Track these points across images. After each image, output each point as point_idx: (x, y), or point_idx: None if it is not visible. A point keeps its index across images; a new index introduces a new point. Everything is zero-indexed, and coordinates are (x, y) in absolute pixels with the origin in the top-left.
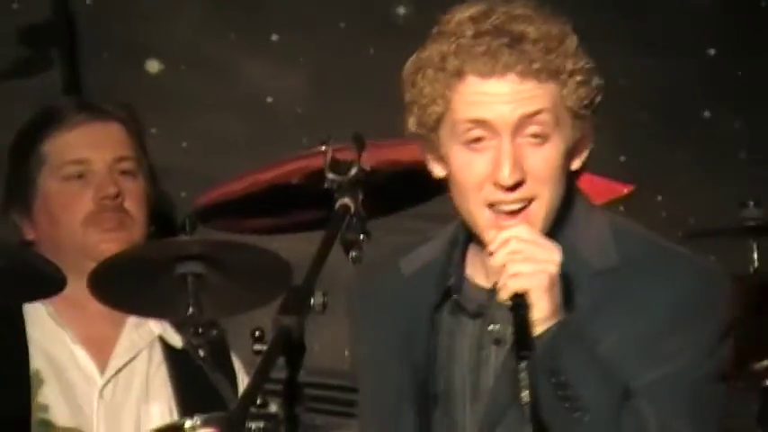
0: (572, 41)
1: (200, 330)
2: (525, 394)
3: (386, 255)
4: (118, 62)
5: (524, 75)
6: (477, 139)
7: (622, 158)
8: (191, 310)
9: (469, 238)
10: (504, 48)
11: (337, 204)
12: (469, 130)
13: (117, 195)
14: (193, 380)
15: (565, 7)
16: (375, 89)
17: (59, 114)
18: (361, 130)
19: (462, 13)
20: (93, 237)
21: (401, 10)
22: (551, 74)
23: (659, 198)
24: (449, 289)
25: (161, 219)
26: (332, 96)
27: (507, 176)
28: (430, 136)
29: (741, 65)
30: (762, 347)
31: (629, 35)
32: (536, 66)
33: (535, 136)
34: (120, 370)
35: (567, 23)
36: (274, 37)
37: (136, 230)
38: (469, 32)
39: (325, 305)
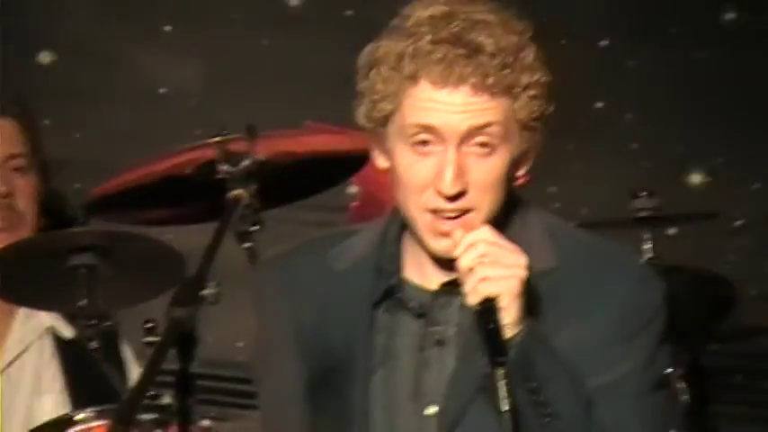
0: (529, 54)
1: (92, 322)
2: (504, 402)
3: (301, 246)
4: (10, 53)
5: (478, 88)
6: (424, 143)
7: None
8: (83, 301)
9: (401, 234)
10: (460, 59)
11: (229, 195)
12: (417, 133)
13: (7, 194)
14: (85, 372)
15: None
16: (269, 80)
17: None
18: (254, 122)
19: (423, 12)
20: None
21: (294, 1)
22: (505, 89)
23: (553, 189)
24: (390, 288)
25: (54, 211)
26: (225, 87)
27: (449, 186)
28: (377, 130)
29: (633, 56)
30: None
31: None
32: (490, 80)
33: (482, 146)
34: (10, 363)
35: (527, 29)
36: (167, 28)
37: (25, 229)
38: (428, 37)
39: (217, 296)
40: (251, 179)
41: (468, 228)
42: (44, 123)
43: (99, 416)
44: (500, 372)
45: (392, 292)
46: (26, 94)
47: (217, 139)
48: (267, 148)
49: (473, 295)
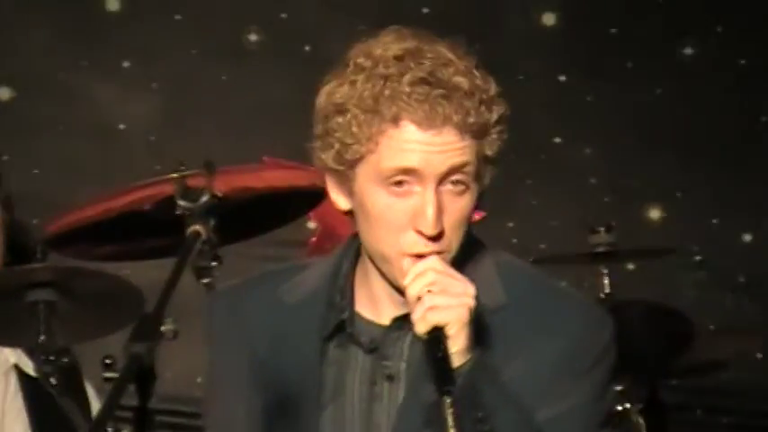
0: (494, 88)
1: (51, 358)
2: (452, 430)
3: (252, 278)
4: None
5: (461, 128)
6: (400, 183)
7: None
8: (41, 337)
9: (354, 268)
10: (442, 99)
11: (188, 231)
12: (395, 175)
13: None
14: (49, 408)
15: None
16: (227, 115)
17: None
18: (213, 157)
19: (384, 51)
20: None
21: (253, 36)
22: (481, 127)
23: (510, 224)
24: (341, 322)
25: (14, 247)
26: (184, 123)
27: (432, 226)
28: (345, 172)
29: (591, 91)
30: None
31: (480, 60)
32: (471, 120)
33: (456, 185)
34: None
35: (481, 65)
36: (125, 63)
37: None
38: (406, 78)
39: (176, 332)
40: (209, 214)
41: None
42: (2, 158)
43: None
44: (447, 400)
45: (343, 326)
46: None
47: (175, 174)
48: (225, 183)
49: (421, 324)
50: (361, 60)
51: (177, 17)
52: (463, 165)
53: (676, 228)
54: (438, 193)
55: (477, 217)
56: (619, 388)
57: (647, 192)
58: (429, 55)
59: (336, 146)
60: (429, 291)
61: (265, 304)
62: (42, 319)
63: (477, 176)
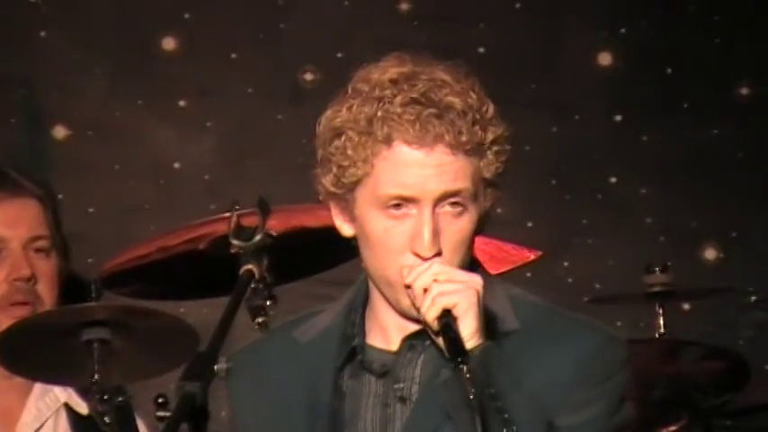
0: (491, 109)
1: (105, 397)
2: (470, 391)
3: (270, 330)
4: (24, 127)
5: (453, 146)
6: (398, 206)
7: (529, 224)
8: (96, 376)
9: (366, 302)
10: (433, 118)
11: (241, 270)
12: (392, 197)
13: (30, 277)
14: None
15: (472, 70)
16: (282, 155)
17: None
18: (268, 196)
19: (381, 75)
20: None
21: (308, 76)
22: (476, 146)
23: (565, 264)
24: (353, 350)
25: (71, 286)
26: (239, 162)
27: (428, 248)
28: (345, 196)
29: (647, 131)
30: (668, 412)
31: (535, 100)
32: (464, 138)
33: (454, 206)
34: None
35: (480, 88)
36: (182, 102)
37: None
38: (398, 98)
39: (229, 371)
40: (263, 253)
41: None
42: (58, 198)
43: None
44: (464, 368)
45: (354, 355)
46: (40, 167)
47: (229, 213)
48: (281, 222)
49: (431, 309)
50: (359, 85)
51: (233, 56)
52: (459, 190)
53: (732, 268)
54: (435, 215)
55: (532, 256)
56: (674, 427)
57: (703, 232)
58: (423, 77)
59: (334, 169)
60: (435, 280)
61: (282, 349)
62: (97, 358)
63: (476, 198)
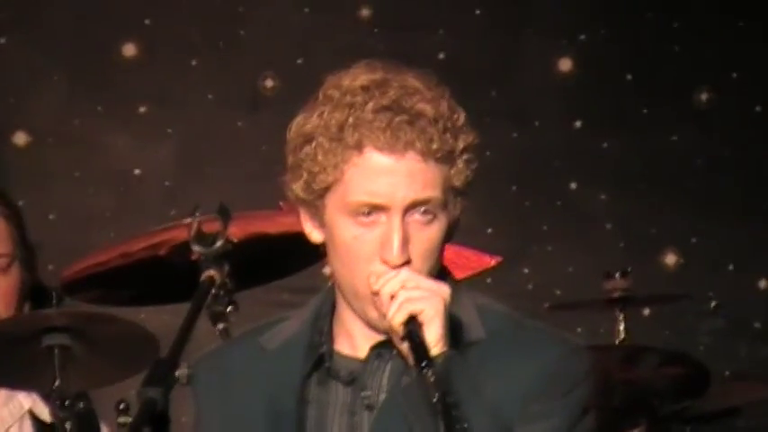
0: (462, 117)
1: (66, 403)
2: (434, 396)
3: (235, 336)
4: None
5: (424, 153)
6: (367, 214)
7: (489, 230)
8: (57, 382)
9: (332, 309)
10: (404, 125)
11: (203, 276)
12: (361, 204)
13: None
14: None
15: (433, 77)
16: (242, 161)
17: None
18: (229, 203)
19: (352, 82)
20: None
21: (269, 83)
22: (447, 154)
23: (525, 270)
24: (320, 358)
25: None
26: (199, 168)
27: (397, 256)
28: (315, 202)
29: (607, 137)
30: (627, 418)
31: (496, 107)
32: (435, 145)
33: (424, 214)
34: None
35: (449, 95)
36: (142, 109)
37: None
38: (369, 105)
39: (190, 377)
40: (224, 260)
41: None
42: (19, 204)
43: None
44: (429, 373)
45: (322, 362)
46: (1, 175)
47: (189, 219)
48: (241, 228)
49: (398, 314)
50: (330, 92)
51: (193, 63)
52: (429, 193)
53: (692, 274)
54: (405, 223)
55: (492, 262)
56: None
57: (663, 238)
58: (395, 84)
59: (305, 175)
60: (403, 286)
61: (247, 355)
62: (58, 364)
63: (445, 206)
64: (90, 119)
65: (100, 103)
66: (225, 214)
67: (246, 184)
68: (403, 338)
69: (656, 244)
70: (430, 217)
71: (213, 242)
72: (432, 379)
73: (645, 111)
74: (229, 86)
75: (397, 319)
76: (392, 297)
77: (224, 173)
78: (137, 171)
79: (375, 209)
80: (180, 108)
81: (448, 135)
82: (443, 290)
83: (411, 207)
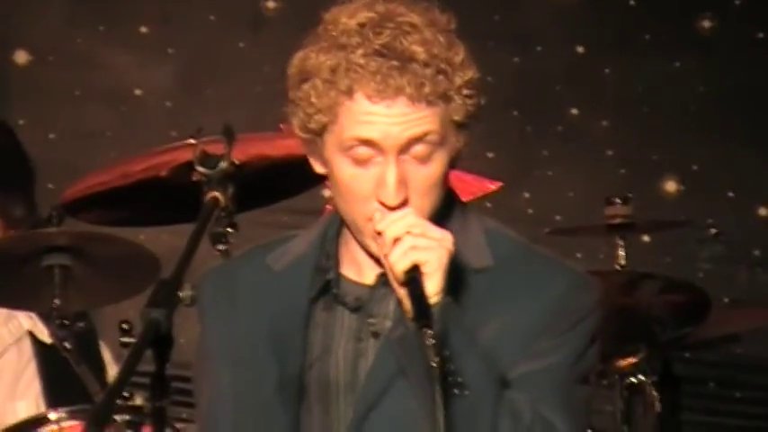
0: (459, 52)
1: (65, 322)
2: (432, 358)
3: (241, 253)
4: None
5: (414, 98)
6: (363, 154)
7: (490, 155)
8: (56, 301)
9: (340, 233)
10: (394, 71)
11: (207, 197)
12: (355, 146)
13: None
14: (63, 375)
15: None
16: (244, 82)
17: None
18: (230, 124)
19: (349, 19)
20: None
21: (270, 3)
22: (440, 95)
23: (526, 195)
24: (327, 283)
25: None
26: (201, 89)
27: (393, 197)
28: (314, 139)
29: (609, 63)
30: (626, 345)
31: (498, 32)
32: (426, 89)
33: (421, 153)
34: None
35: (450, 25)
36: (143, 29)
37: None
38: (360, 50)
39: (193, 298)
40: (227, 181)
41: None
42: (18, 123)
43: (73, 415)
44: (429, 332)
45: (328, 287)
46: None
47: (193, 140)
48: (242, 150)
49: (401, 261)
50: (329, 27)
51: None
52: (423, 134)
53: (692, 201)
54: (400, 162)
55: (492, 187)
56: (632, 360)
57: (664, 164)
58: (390, 24)
59: (300, 114)
60: (409, 232)
61: (254, 274)
62: (57, 284)
63: (443, 142)
64: (91, 38)
65: (101, 23)
66: (229, 135)
67: (247, 106)
68: (402, 285)
69: (657, 170)
70: (426, 154)
71: (217, 163)
72: (430, 341)
73: (647, 36)
74: (231, 7)
75: (399, 265)
76: (396, 240)
77: (225, 94)
78: (138, 91)
79: (369, 146)
80: (182, 28)
81: (441, 76)
82: (448, 239)
83: (406, 146)
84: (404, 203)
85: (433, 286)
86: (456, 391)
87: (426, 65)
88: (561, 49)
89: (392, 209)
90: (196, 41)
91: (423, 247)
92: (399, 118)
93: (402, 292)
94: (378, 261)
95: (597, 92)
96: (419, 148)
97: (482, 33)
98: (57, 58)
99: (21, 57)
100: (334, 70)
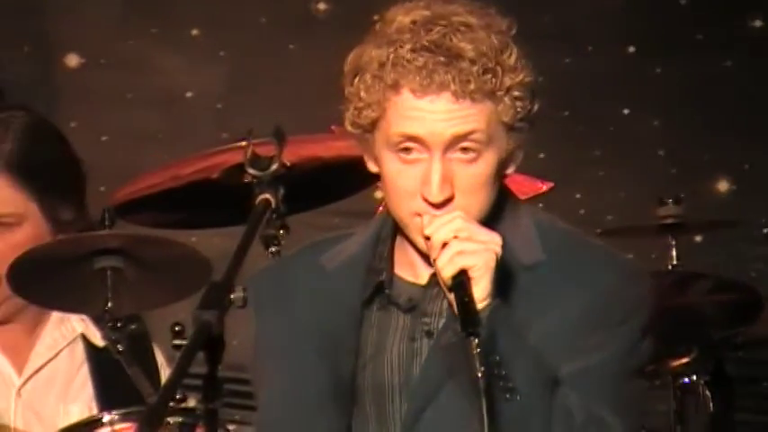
0: (511, 55)
1: (118, 325)
2: (479, 369)
3: (295, 251)
4: (38, 56)
5: (459, 95)
6: (408, 151)
7: (541, 155)
8: (109, 304)
9: (394, 234)
10: (440, 66)
11: (258, 199)
12: (401, 142)
13: None
14: (115, 379)
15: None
16: (295, 84)
17: None
18: (281, 126)
19: (404, 17)
20: None
21: (321, 5)
22: (487, 93)
23: (577, 195)
24: (380, 284)
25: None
26: (251, 91)
27: (436, 194)
28: (365, 136)
29: (660, 63)
30: (678, 345)
31: (549, 32)
32: (471, 86)
33: (466, 152)
34: (39, 369)
35: (510, 28)
36: (194, 31)
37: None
38: (408, 45)
39: (245, 300)
40: (278, 183)
41: None
42: (70, 126)
43: (126, 418)
44: (475, 341)
45: (382, 288)
46: (52, 96)
47: (244, 142)
48: (293, 152)
49: (449, 267)
50: (385, 25)
51: None
52: (468, 132)
53: (744, 200)
54: (446, 160)
55: (544, 188)
56: (685, 359)
57: (716, 164)
58: (443, 22)
59: (352, 109)
60: (456, 236)
61: (307, 273)
62: (109, 286)
63: (490, 142)
64: (143, 41)
65: (153, 26)
66: (280, 137)
67: (298, 107)
68: (450, 290)
69: (709, 170)
70: (473, 155)
71: (268, 165)
72: (476, 351)
73: (699, 36)
74: (282, 9)
75: (446, 271)
76: (443, 245)
77: (275, 96)
78: (189, 93)
79: (414, 142)
80: (232, 31)
81: (489, 75)
82: (496, 241)
83: (451, 144)
84: (448, 201)
85: (480, 291)
86: (507, 395)
87: (473, 62)
88: (612, 49)
89: (436, 206)
90: (247, 43)
91: (469, 252)
92: (443, 114)
93: (450, 297)
94: (429, 259)
95: (648, 92)
96: (464, 146)
97: (533, 34)
98: (108, 61)
99: (72, 60)
100: (382, 65)
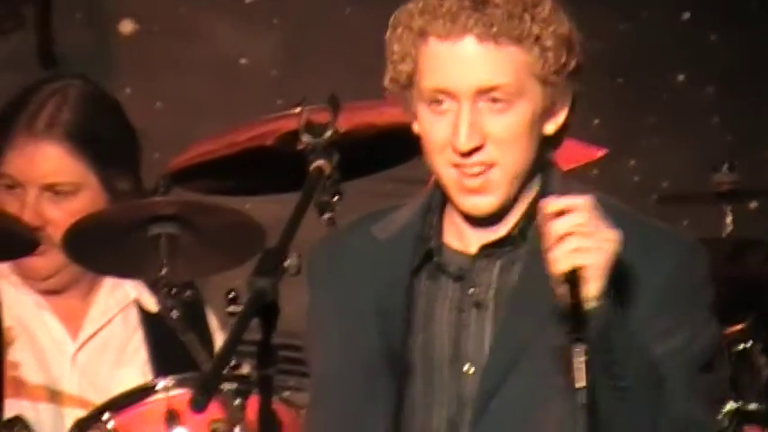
0: (543, 7)
1: (172, 291)
2: (581, 379)
3: (351, 222)
4: (91, 22)
5: (482, 38)
6: (439, 102)
7: (596, 122)
8: (164, 270)
9: (444, 202)
10: (464, 10)
11: (312, 166)
12: (432, 94)
13: (36, 228)
14: (169, 345)
15: None
16: (350, 51)
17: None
18: (335, 93)
19: None
20: None
21: None
22: (512, 39)
23: (632, 162)
24: (429, 252)
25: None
26: (307, 58)
27: (463, 143)
28: (403, 93)
29: (715, 30)
30: (733, 312)
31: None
32: (495, 30)
33: (495, 101)
34: (94, 334)
35: None
36: None
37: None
38: None
39: (299, 267)
40: (332, 150)
41: (490, 185)
42: (125, 92)
43: (180, 384)
44: (578, 348)
45: (431, 256)
46: (107, 62)
47: (299, 109)
48: (347, 119)
49: (562, 262)
50: None
51: None
52: (496, 79)
53: None
54: (475, 110)
55: (598, 154)
56: (740, 326)
57: None
58: None
59: (390, 66)
60: (576, 231)
61: (360, 243)
62: (164, 253)
63: (522, 94)
64: (196, 7)
65: None
66: (334, 104)
67: (353, 74)
68: (561, 283)
69: (764, 137)
70: (502, 105)
71: (323, 132)
72: (581, 356)
73: (753, 2)
74: None
75: (559, 266)
76: (561, 238)
77: (330, 62)
78: (243, 60)
79: (445, 96)
80: None
81: (515, 21)
82: (615, 240)
83: (480, 93)
84: (477, 150)
85: (592, 290)
86: (618, 395)
87: (498, 6)
88: (667, 15)
89: (464, 155)
90: (301, 10)
91: (586, 250)
92: (469, 61)
93: (561, 288)
94: (480, 228)
95: (703, 58)
96: (493, 96)
97: (586, 0)
98: (162, 28)
99: (126, 26)
100: (411, 15)
